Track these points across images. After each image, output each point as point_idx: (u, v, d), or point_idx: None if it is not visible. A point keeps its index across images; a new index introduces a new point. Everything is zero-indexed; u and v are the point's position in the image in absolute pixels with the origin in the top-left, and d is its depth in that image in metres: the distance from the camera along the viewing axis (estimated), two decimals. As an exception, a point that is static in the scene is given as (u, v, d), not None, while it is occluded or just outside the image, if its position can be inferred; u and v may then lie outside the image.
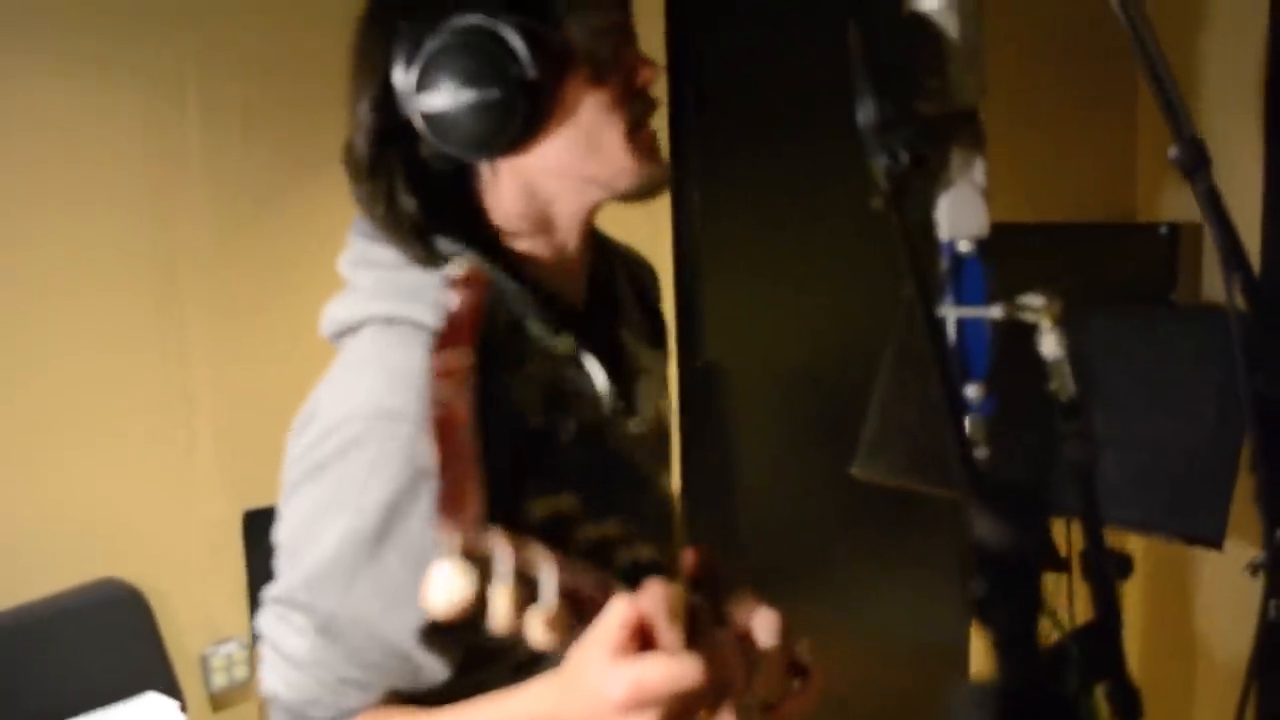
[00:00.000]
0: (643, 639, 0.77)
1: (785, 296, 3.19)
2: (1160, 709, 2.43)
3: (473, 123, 0.95)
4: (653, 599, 0.75)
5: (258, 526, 2.47)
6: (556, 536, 0.68)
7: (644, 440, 1.16)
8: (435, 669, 0.97)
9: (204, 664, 2.49)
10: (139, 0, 2.35)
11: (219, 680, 2.51)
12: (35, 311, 2.25)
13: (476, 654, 0.99)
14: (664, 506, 1.22)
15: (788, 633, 1.11)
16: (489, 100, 0.94)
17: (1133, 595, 2.44)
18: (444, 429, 0.64)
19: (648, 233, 3.25)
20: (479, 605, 0.66)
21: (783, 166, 3.07)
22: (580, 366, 1.06)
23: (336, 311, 1.03)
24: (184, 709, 2.19)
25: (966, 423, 0.99)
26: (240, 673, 2.54)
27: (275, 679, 0.99)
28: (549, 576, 0.67)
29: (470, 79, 0.93)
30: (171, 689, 2.27)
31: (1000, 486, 0.59)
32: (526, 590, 0.67)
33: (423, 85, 0.95)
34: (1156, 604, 2.45)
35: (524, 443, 0.68)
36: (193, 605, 2.46)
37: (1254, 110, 2.15)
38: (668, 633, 0.76)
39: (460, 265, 0.70)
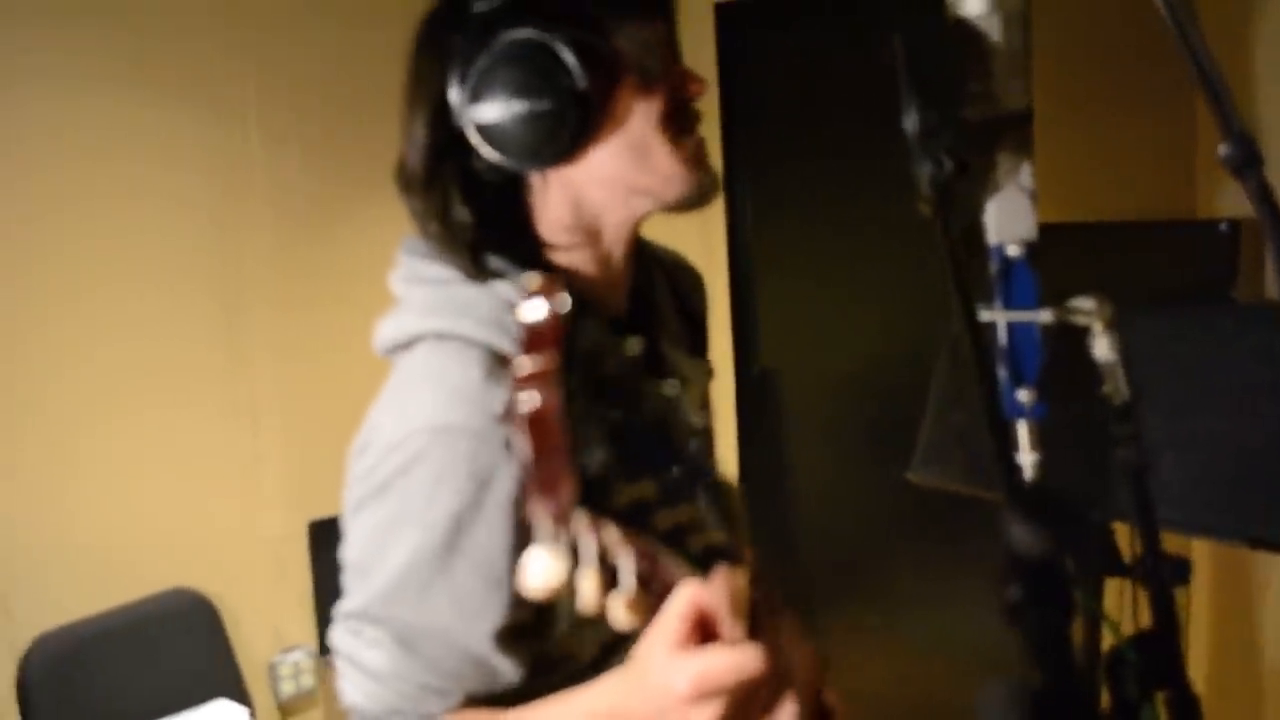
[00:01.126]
0: (704, 631, 0.78)
1: (839, 302, 3.18)
2: (1226, 717, 2.39)
3: (525, 133, 0.96)
4: (713, 590, 0.76)
5: (322, 537, 2.52)
6: (637, 522, 0.70)
7: (699, 433, 1.18)
8: (509, 671, 0.99)
9: (271, 672, 2.54)
10: (204, 24, 2.42)
11: (287, 688, 2.56)
12: (103, 320, 2.32)
13: (545, 657, 1.01)
14: (725, 497, 1.23)
15: (822, 672, 1.11)
16: (541, 111, 0.95)
17: (1199, 600, 2.39)
18: (536, 424, 0.67)
19: (702, 242, 3.26)
20: (568, 589, 0.69)
21: (834, 174, 3.07)
22: (645, 371, 1.09)
23: (388, 329, 1.06)
24: (253, 715, 2.24)
25: (1020, 427, 0.99)
26: (307, 681, 2.58)
27: (354, 691, 1.01)
28: (627, 561, 0.70)
29: (522, 90, 0.95)
30: (241, 696, 2.32)
31: (1038, 491, 0.60)
32: (608, 575, 0.70)
33: (476, 98, 0.96)
34: (1221, 610, 2.40)
35: (606, 437, 0.70)
36: (260, 614, 2.52)
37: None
38: (729, 624, 0.77)
39: (535, 277, 0.73)
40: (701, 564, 0.73)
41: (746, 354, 3.35)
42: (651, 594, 0.72)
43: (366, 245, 2.52)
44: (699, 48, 3.16)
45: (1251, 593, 2.35)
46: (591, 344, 1.00)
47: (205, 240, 2.46)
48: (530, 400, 0.66)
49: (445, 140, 1.00)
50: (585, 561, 0.69)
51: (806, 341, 3.30)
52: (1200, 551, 2.39)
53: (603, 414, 0.70)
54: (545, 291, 0.70)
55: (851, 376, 3.18)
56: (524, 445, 0.67)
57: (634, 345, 1.08)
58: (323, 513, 2.50)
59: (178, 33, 2.39)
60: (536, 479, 0.67)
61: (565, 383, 0.66)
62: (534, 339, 0.67)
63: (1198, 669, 2.43)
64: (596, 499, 0.68)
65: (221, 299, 2.49)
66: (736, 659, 0.77)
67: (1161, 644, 0.99)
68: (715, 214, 3.28)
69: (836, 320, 3.21)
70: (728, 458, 3.31)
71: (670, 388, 1.14)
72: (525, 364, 0.67)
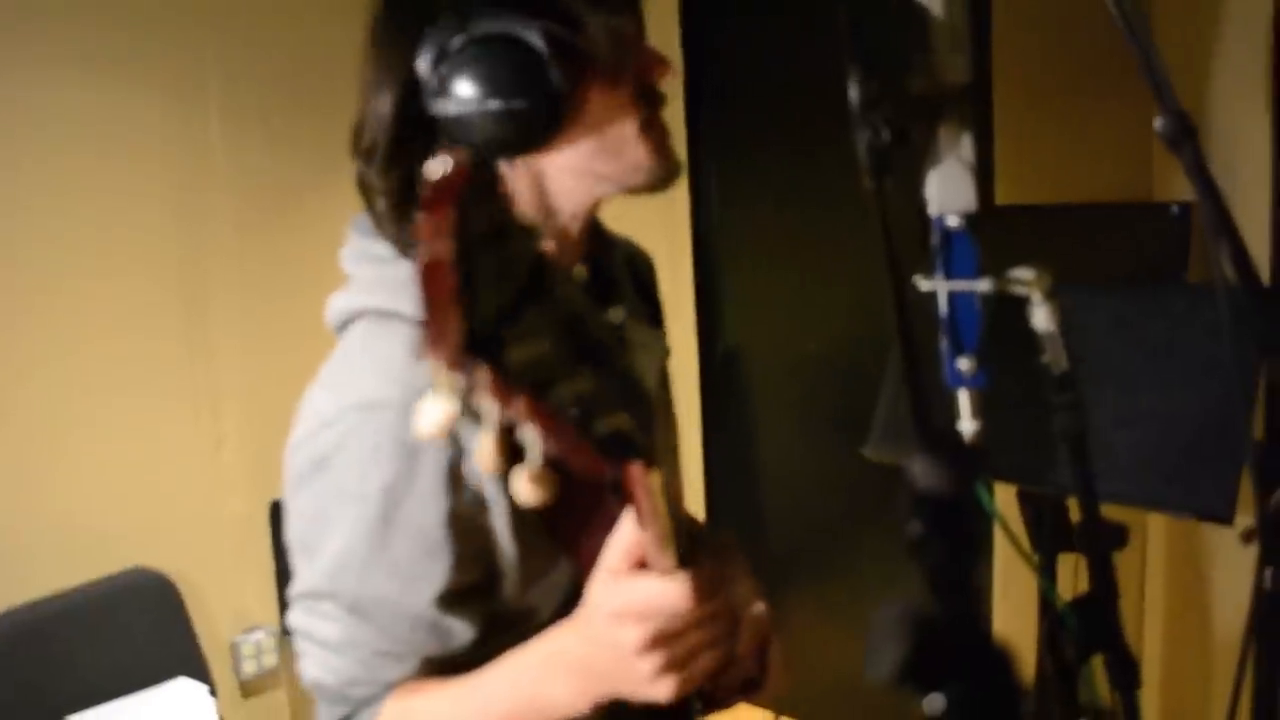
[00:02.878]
0: (643, 564, 0.82)
1: (803, 283, 3.20)
2: (1180, 677, 2.44)
3: (497, 128, 0.96)
4: (637, 523, 0.80)
5: (284, 517, 2.51)
6: (536, 386, 0.71)
7: (635, 347, 1.21)
8: (462, 631, 1.00)
9: (234, 651, 2.54)
10: (161, 4, 2.40)
11: (248, 668, 2.56)
12: (65, 308, 2.30)
13: (502, 615, 1.03)
14: (644, 393, 1.24)
15: (769, 628, 1.13)
16: (514, 108, 0.95)
17: (1153, 568, 2.44)
18: (428, 273, 0.68)
19: (666, 223, 3.28)
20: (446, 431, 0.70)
21: (798, 156, 3.08)
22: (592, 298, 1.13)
23: (337, 302, 1.07)
24: (214, 695, 2.24)
25: (961, 395, 1.00)
26: (269, 660, 2.59)
27: (314, 667, 1.02)
28: (534, 436, 0.71)
29: (496, 86, 0.95)
30: (202, 675, 2.31)
31: (943, 436, 0.61)
32: (513, 449, 0.72)
33: (447, 88, 0.96)
34: (1174, 577, 2.45)
35: (506, 296, 0.72)
36: (222, 594, 2.51)
37: (1262, 97, 2.15)
38: (657, 554, 0.81)
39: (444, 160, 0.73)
40: (611, 448, 0.74)
41: (711, 334, 3.37)
42: (560, 474, 0.73)
43: (328, 233, 2.47)
44: (664, 31, 3.16)
45: (1202, 561, 2.40)
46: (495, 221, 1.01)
47: (166, 227, 2.44)
48: (424, 252, 0.67)
49: (412, 123, 1.00)
50: (486, 423, 0.70)
51: (771, 322, 3.31)
52: (1155, 523, 2.43)
53: (505, 273, 0.71)
54: (449, 150, 0.71)
55: (816, 356, 3.20)
56: (419, 296, 0.69)
57: (581, 271, 1.11)
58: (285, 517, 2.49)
59: (136, 18, 2.36)
60: (429, 328, 0.69)
61: (459, 236, 0.67)
62: (434, 194, 0.69)
63: (1153, 635, 2.48)
64: (492, 352, 0.69)
65: (183, 284, 2.47)
66: (663, 587, 0.81)
67: (1099, 608, 1.01)
68: (680, 195, 3.29)
69: (801, 301, 3.22)
70: (692, 438, 3.33)
71: (615, 314, 1.17)
72: (423, 219, 0.68)
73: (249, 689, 2.58)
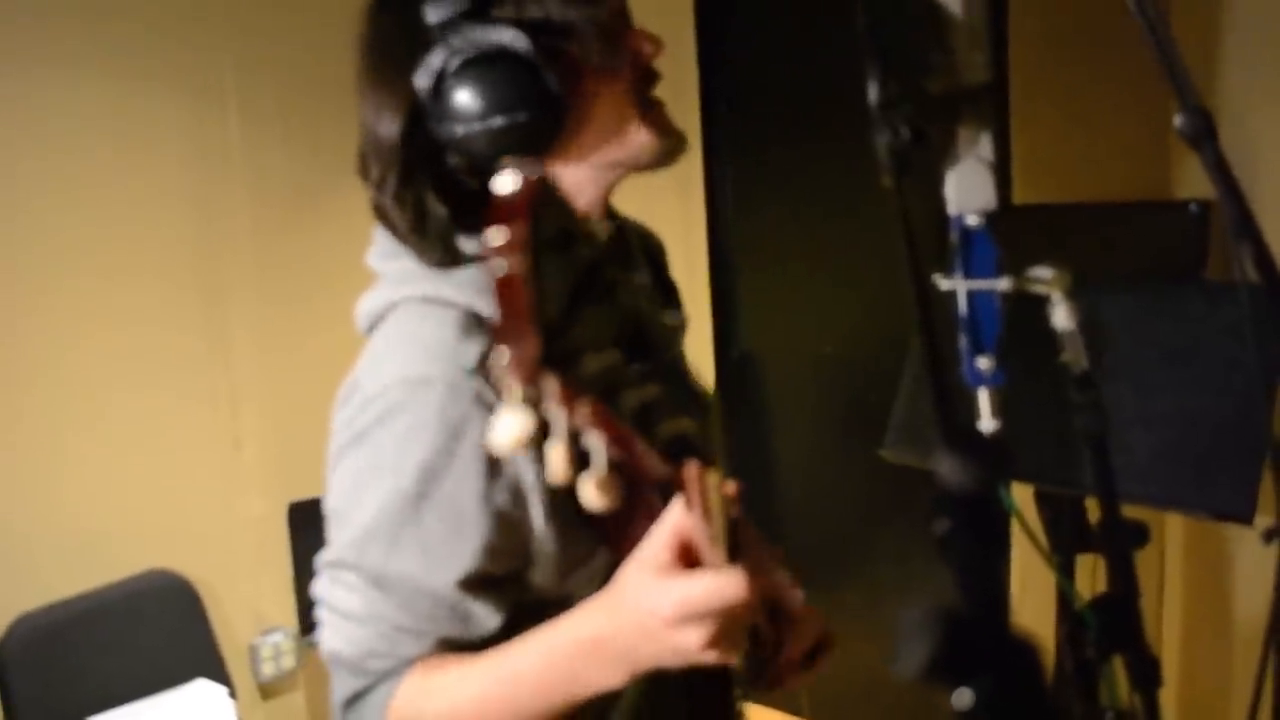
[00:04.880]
0: (688, 556, 0.82)
1: (818, 285, 3.19)
2: (1198, 678, 2.42)
3: (502, 142, 0.98)
4: (694, 520, 0.78)
5: (303, 519, 2.53)
6: (604, 393, 0.72)
7: (679, 340, 1.23)
8: (484, 616, 1.01)
9: (253, 653, 2.55)
10: (181, 9, 2.41)
11: (267, 670, 2.56)
12: (84, 308, 2.31)
13: (535, 604, 1.02)
14: (702, 397, 1.26)
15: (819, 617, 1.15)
16: (517, 120, 0.97)
17: (1172, 568, 2.43)
18: (504, 289, 0.69)
19: (683, 224, 3.28)
20: (532, 446, 0.71)
21: (814, 158, 3.08)
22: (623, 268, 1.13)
23: (366, 303, 1.08)
24: (233, 696, 2.25)
25: (980, 394, 1.00)
26: (287, 662, 2.59)
27: (334, 636, 1.03)
28: (599, 443, 0.72)
29: (496, 103, 0.96)
30: (221, 677, 2.33)
31: (968, 433, 0.61)
32: (580, 456, 0.72)
33: (452, 111, 0.97)
34: (1193, 578, 2.44)
35: (577, 309, 0.73)
36: (241, 596, 2.52)
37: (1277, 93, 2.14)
38: (710, 549, 0.80)
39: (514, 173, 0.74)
40: (672, 452, 0.74)
41: (727, 337, 3.36)
42: (623, 479, 0.74)
43: (346, 231, 2.50)
44: (679, 29, 3.16)
45: (1221, 562, 2.39)
46: (559, 226, 1.02)
47: (185, 226, 2.46)
48: (499, 267, 0.68)
49: (418, 148, 1.01)
50: (555, 433, 0.71)
51: (786, 324, 3.31)
52: (1173, 522, 2.42)
53: (566, 278, 0.72)
54: (518, 165, 0.72)
55: (832, 358, 3.20)
56: (494, 310, 0.70)
57: (601, 229, 1.12)
58: (303, 495, 2.51)
59: (156, 18, 2.37)
60: (504, 343, 0.69)
61: (533, 250, 0.68)
62: (505, 210, 0.70)
63: (1171, 634, 2.47)
64: (564, 365, 0.70)
65: (201, 284, 2.48)
66: (720, 584, 0.80)
67: (1120, 607, 1.01)
68: (695, 197, 3.29)
69: (817, 303, 3.22)
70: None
71: (641, 277, 1.18)
72: (496, 235, 0.69)
73: (268, 691, 2.59)
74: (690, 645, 0.83)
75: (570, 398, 0.69)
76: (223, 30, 2.47)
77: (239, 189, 2.52)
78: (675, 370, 1.21)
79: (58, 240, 2.28)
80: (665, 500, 0.83)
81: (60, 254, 2.28)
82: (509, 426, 0.69)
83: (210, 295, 2.49)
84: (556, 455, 0.71)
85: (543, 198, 0.71)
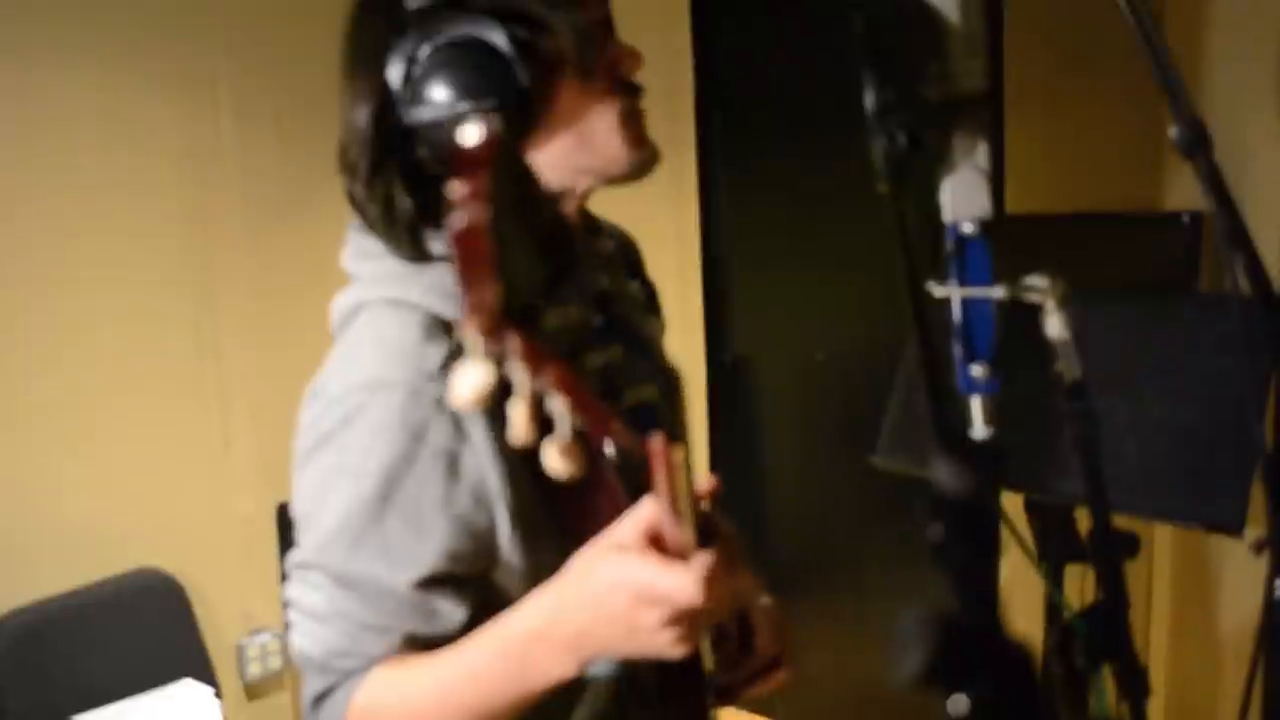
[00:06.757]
0: (656, 544, 0.81)
1: (811, 291, 3.20)
2: (1186, 687, 2.43)
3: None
4: (659, 495, 0.78)
5: (291, 519, 2.51)
6: (566, 351, 0.71)
7: (648, 322, 1.23)
8: (449, 612, 1.01)
9: (239, 654, 2.54)
10: (173, 7, 2.40)
11: (254, 670, 2.56)
12: (74, 306, 2.31)
13: (498, 609, 1.02)
14: (669, 371, 1.26)
15: (783, 624, 1.14)
16: (483, 108, 0.97)
17: (1160, 579, 2.44)
18: (464, 240, 0.68)
19: (675, 228, 3.28)
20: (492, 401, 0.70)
21: (808, 164, 3.08)
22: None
23: (339, 302, 1.09)
24: (219, 696, 2.23)
25: (973, 402, 1.00)
26: (274, 663, 2.58)
27: (301, 637, 1.03)
28: (563, 409, 0.71)
29: (466, 92, 0.97)
30: (207, 677, 2.32)
31: (964, 440, 0.61)
32: (543, 420, 0.71)
33: (420, 96, 0.98)
34: (1182, 588, 2.45)
35: (540, 269, 0.72)
36: (228, 596, 2.51)
37: (1272, 106, 2.15)
38: (675, 528, 0.79)
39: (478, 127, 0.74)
40: (636, 422, 0.73)
41: (719, 342, 3.36)
42: (586, 451, 0.73)
43: (337, 231, 2.49)
44: (675, 33, 3.16)
45: (1209, 572, 2.40)
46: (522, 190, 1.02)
47: (176, 226, 2.45)
48: (460, 219, 0.67)
49: (388, 134, 1.02)
50: (518, 393, 0.70)
51: (779, 330, 3.31)
52: (1162, 532, 2.43)
53: (527, 234, 0.71)
54: (483, 120, 0.72)
55: (824, 365, 3.20)
56: (454, 263, 0.69)
57: (607, 243, 1.15)
58: (291, 495, 2.49)
59: (148, 17, 2.37)
60: (465, 294, 0.68)
61: (494, 202, 0.67)
62: (467, 160, 0.69)
63: (1159, 644, 2.48)
64: (525, 320, 0.69)
65: (192, 283, 2.48)
66: (684, 579, 0.79)
67: (1110, 617, 1.01)
68: (689, 204, 3.29)
69: (809, 309, 3.22)
70: (699, 446, 3.33)
71: (634, 288, 1.20)
72: (458, 186, 0.68)
73: (254, 691, 2.58)
74: (649, 625, 0.82)
75: (535, 358, 0.68)
76: (215, 29, 2.47)
77: (230, 188, 2.51)
78: (641, 339, 1.20)
79: (48, 239, 2.27)
80: (627, 480, 0.82)
81: (50, 253, 2.27)
82: (470, 378, 0.68)
83: (200, 294, 2.48)
84: (519, 415, 0.70)
85: (506, 154, 0.70)
